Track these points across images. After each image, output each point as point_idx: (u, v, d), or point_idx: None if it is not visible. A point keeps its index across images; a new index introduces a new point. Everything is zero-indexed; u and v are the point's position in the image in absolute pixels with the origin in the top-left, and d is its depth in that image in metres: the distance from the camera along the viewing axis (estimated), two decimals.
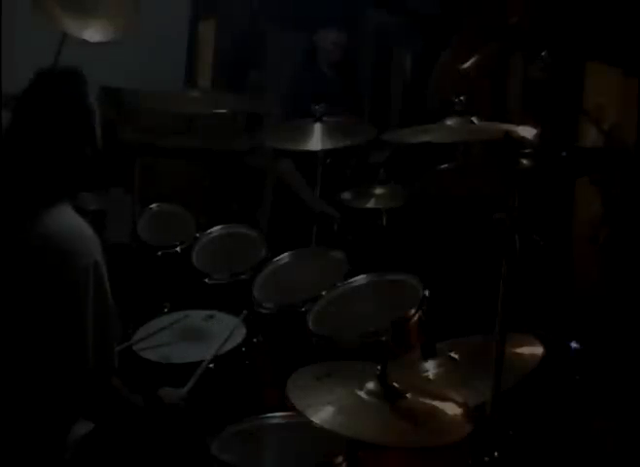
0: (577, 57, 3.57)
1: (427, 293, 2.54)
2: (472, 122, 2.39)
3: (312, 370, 2.12)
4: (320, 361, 2.26)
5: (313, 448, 2.16)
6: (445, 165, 2.51)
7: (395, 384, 1.98)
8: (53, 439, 2.20)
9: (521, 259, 1.85)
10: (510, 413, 2.12)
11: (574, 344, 2.87)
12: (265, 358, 2.77)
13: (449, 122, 2.45)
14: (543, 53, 3.09)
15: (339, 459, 2.11)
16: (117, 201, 3.99)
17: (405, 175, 3.69)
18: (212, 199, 4.61)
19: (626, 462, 2.76)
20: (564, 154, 2.46)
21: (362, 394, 1.97)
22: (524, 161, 2.19)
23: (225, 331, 2.75)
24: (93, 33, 3.54)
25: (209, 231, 3.38)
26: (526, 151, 2.16)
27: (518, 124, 2.30)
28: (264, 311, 2.84)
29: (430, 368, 2.29)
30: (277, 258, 3.11)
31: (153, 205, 3.59)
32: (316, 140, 3.30)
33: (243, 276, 3.07)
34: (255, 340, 2.78)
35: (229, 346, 2.69)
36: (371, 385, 1.98)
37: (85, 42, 3.53)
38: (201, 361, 2.59)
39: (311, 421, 1.90)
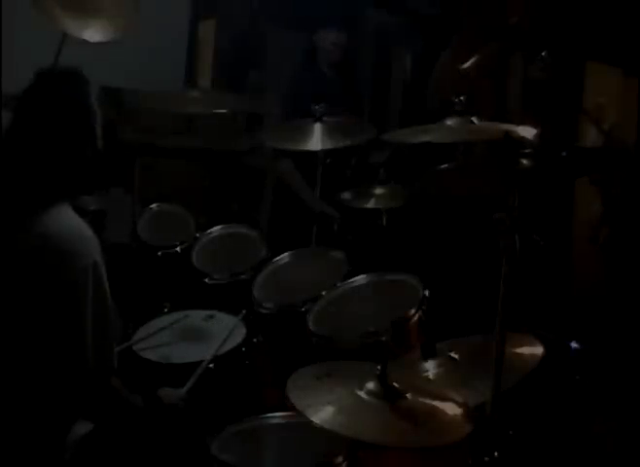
0: (577, 57, 3.57)
1: (427, 293, 2.54)
2: (472, 122, 2.39)
3: (312, 370, 2.12)
4: (320, 361, 2.26)
5: (313, 448, 2.15)
6: (445, 165, 2.51)
7: (395, 384, 1.98)
8: (53, 439, 2.20)
9: (521, 259, 1.85)
10: (510, 413, 2.12)
11: (574, 344, 2.87)
12: (265, 358, 2.77)
13: (449, 122, 2.45)
14: (543, 53, 3.09)
15: (339, 459, 2.11)
16: (117, 201, 3.99)
17: (405, 175, 3.69)
18: (212, 199, 4.62)
19: (626, 462, 2.76)
20: (564, 154, 2.46)
21: (362, 394, 1.97)
22: (524, 161, 2.19)
23: (225, 331, 2.75)
24: (93, 33, 3.54)
25: (209, 231, 3.38)
26: (526, 151, 2.16)
27: (518, 124, 2.30)
28: (264, 311, 2.83)
29: (430, 368, 2.29)
30: (277, 258, 3.11)
31: (153, 205, 3.59)
32: (316, 140, 3.30)
33: (243, 276, 3.07)
34: (255, 340, 2.78)
35: (229, 346, 2.69)
36: (371, 385, 1.98)
37: (85, 42, 3.52)
38: (201, 361, 2.59)
39: (311, 421, 1.90)
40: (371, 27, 4.97)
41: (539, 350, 2.25)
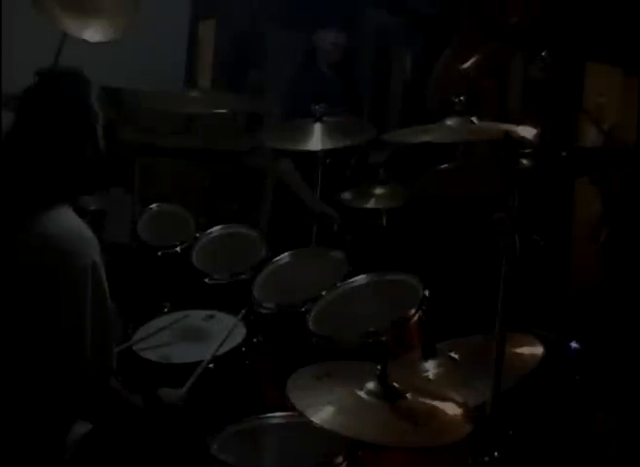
0: (577, 57, 3.57)
1: (427, 293, 2.54)
2: (472, 122, 2.39)
3: (312, 370, 2.12)
4: (320, 361, 2.26)
5: (313, 448, 2.15)
6: (445, 165, 2.51)
7: (395, 384, 1.98)
8: (53, 439, 2.20)
9: (521, 259, 1.85)
10: (510, 413, 2.12)
11: (574, 344, 2.87)
12: (265, 358, 2.77)
13: (449, 122, 2.45)
14: (543, 53, 3.09)
15: (339, 459, 2.11)
16: (117, 201, 3.99)
17: (405, 175, 3.69)
18: (212, 199, 4.62)
19: (627, 462, 2.76)
20: (564, 154, 2.46)
21: (362, 394, 1.97)
22: (524, 161, 2.19)
23: (225, 331, 2.75)
24: (93, 33, 3.54)
25: (209, 231, 3.38)
26: (526, 151, 2.16)
27: (518, 124, 2.30)
28: (264, 311, 2.83)
29: (430, 368, 2.28)
30: (277, 258, 3.11)
31: (153, 205, 3.59)
32: (316, 140, 3.31)
33: (243, 276, 3.07)
34: (255, 340, 2.78)
35: (229, 346, 2.69)
36: (371, 385, 1.98)
37: (85, 42, 3.52)
38: (201, 361, 2.59)
39: (311, 421, 1.90)
40: (371, 27, 4.97)
41: (539, 350, 2.25)
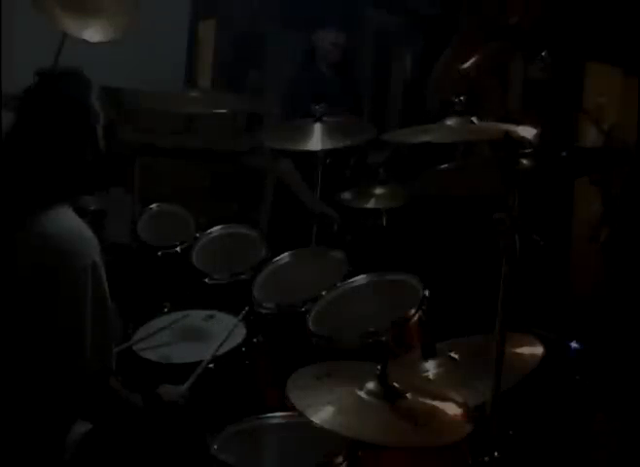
0: (577, 57, 3.57)
1: (427, 293, 2.54)
2: (472, 122, 2.39)
3: (312, 370, 2.12)
4: (320, 361, 2.26)
5: (313, 448, 2.15)
6: (445, 165, 2.51)
7: (395, 384, 1.98)
8: (53, 439, 2.20)
9: (521, 259, 1.85)
10: (510, 413, 2.12)
11: (574, 344, 2.87)
12: (265, 358, 2.77)
13: (449, 122, 2.45)
14: (543, 53, 3.09)
15: (339, 459, 2.11)
16: (117, 201, 3.99)
17: (405, 175, 3.69)
18: (212, 199, 4.61)
19: (627, 462, 2.76)
20: (564, 154, 2.46)
21: (362, 394, 1.97)
22: (524, 161, 2.19)
23: (225, 331, 2.75)
24: (93, 33, 3.54)
25: (209, 231, 3.38)
26: (526, 151, 2.16)
27: (518, 124, 2.30)
28: (264, 311, 2.83)
29: (430, 368, 2.28)
30: (277, 258, 3.11)
31: (153, 205, 3.58)
32: (316, 140, 3.30)
33: (243, 276, 3.07)
34: (255, 340, 2.78)
35: (229, 346, 2.69)
36: (371, 385, 1.98)
37: (85, 42, 3.52)
38: (201, 361, 2.59)
39: (311, 421, 1.90)
40: (371, 27, 4.97)
41: (539, 350, 2.25)
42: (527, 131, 2.18)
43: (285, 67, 4.73)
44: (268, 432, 2.34)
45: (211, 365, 2.59)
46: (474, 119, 2.38)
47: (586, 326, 3.13)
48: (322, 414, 1.91)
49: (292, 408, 2.01)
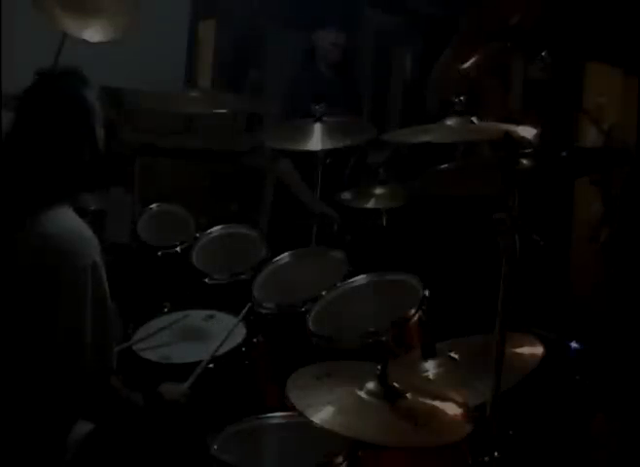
0: (577, 57, 3.57)
1: (427, 293, 2.54)
2: (472, 122, 2.39)
3: (312, 370, 2.12)
4: (320, 361, 2.26)
5: (313, 448, 2.15)
6: (445, 165, 2.51)
7: (395, 384, 1.98)
8: (54, 439, 2.20)
9: (521, 259, 1.85)
10: (510, 413, 2.12)
11: (574, 344, 2.87)
12: (265, 358, 2.77)
13: (449, 122, 2.45)
14: (543, 53, 3.09)
15: (339, 459, 2.11)
16: (117, 201, 3.99)
17: (405, 175, 3.69)
18: (212, 199, 4.61)
19: (627, 462, 2.76)
20: (564, 154, 2.46)
21: (362, 394, 1.97)
22: (524, 161, 2.19)
23: (225, 330, 2.75)
24: (93, 33, 3.54)
25: (209, 231, 3.37)
26: (526, 151, 2.16)
27: (518, 124, 2.30)
28: (264, 311, 2.83)
29: (430, 368, 2.28)
30: (277, 258, 3.11)
31: (153, 205, 3.58)
32: (316, 140, 3.30)
33: (243, 276, 3.07)
34: (255, 340, 2.78)
35: (229, 346, 2.69)
36: (371, 385, 1.98)
37: (85, 42, 3.52)
38: (201, 361, 2.59)
39: (311, 421, 1.90)
40: (370, 27, 4.97)
41: (539, 350, 2.25)
42: (527, 131, 2.18)
43: (285, 67, 4.73)
44: (268, 432, 2.34)
45: (211, 365, 2.60)
46: (474, 119, 2.38)
47: (586, 326, 3.13)
48: (322, 414, 1.91)
49: (292, 408, 2.01)
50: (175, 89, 4.58)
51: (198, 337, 2.84)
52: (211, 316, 2.94)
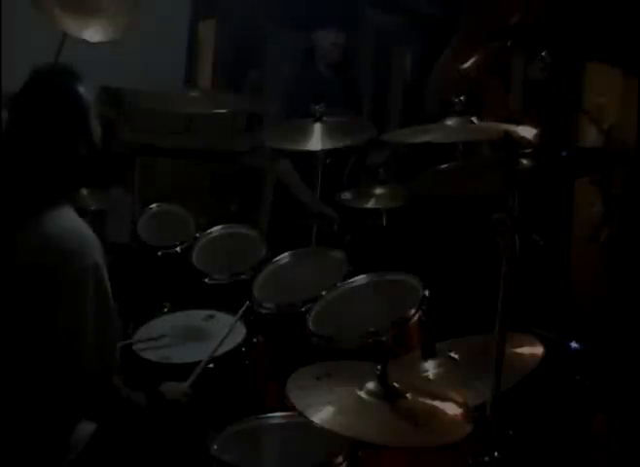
0: (577, 57, 3.57)
1: (427, 293, 2.54)
2: (472, 122, 2.39)
3: (312, 370, 2.12)
4: (320, 361, 2.26)
5: (313, 448, 2.15)
6: (445, 165, 2.51)
7: (395, 384, 1.98)
8: (56, 439, 2.20)
9: (521, 259, 1.85)
10: (510, 413, 2.12)
11: (574, 344, 2.87)
12: (265, 358, 2.77)
13: (449, 122, 2.45)
14: (543, 53, 3.09)
15: (339, 459, 2.11)
16: (117, 201, 3.99)
17: (405, 175, 3.69)
18: (212, 199, 4.61)
19: (627, 462, 2.76)
20: (564, 154, 2.46)
21: (362, 394, 1.97)
22: (524, 161, 2.19)
23: (225, 330, 2.75)
24: (93, 33, 3.54)
25: (209, 231, 3.37)
26: (526, 151, 2.16)
27: (518, 124, 2.29)
28: (264, 311, 2.83)
29: (430, 368, 2.28)
30: (277, 258, 3.11)
31: (153, 205, 3.58)
32: (316, 140, 3.30)
33: (243, 276, 3.07)
34: (255, 340, 2.78)
35: (229, 346, 2.69)
36: (371, 385, 1.98)
37: (85, 42, 3.52)
38: (201, 361, 2.59)
39: (311, 421, 1.90)
40: (370, 27, 4.97)
41: (539, 350, 2.25)
42: (527, 131, 2.18)
43: (285, 67, 4.73)
44: (268, 432, 2.34)
45: (211, 365, 2.60)
46: (474, 119, 2.38)
47: (586, 326, 3.13)
48: (322, 414, 1.91)
49: (292, 408, 2.01)
50: (175, 89, 4.58)
51: (198, 337, 2.84)
52: (211, 316, 2.94)
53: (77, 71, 2.26)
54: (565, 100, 3.57)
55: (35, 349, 2.13)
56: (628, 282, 3.21)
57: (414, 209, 3.69)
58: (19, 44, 4.21)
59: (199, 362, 2.58)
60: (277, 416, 2.36)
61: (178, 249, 3.28)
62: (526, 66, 3.75)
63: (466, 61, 3.53)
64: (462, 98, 2.45)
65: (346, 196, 3.74)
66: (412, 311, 2.47)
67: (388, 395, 1.96)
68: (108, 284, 2.17)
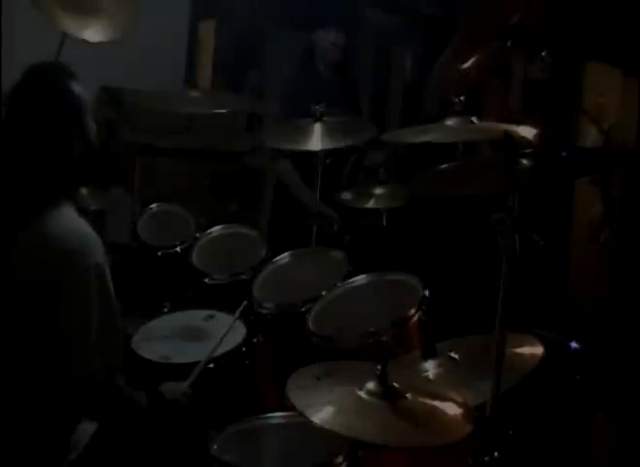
0: (577, 57, 3.57)
1: (427, 293, 2.54)
2: (472, 122, 2.39)
3: (312, 370, 2.12)
4: (320, 361, 2.26)
5: (313, 448, 2.15)
6: (445, 165, 2.51)
7: (395, 384, 1.98)
8: (57, 439, 2.20)
9: (521, 259, 1.85)
10: (510, 413, 2.12)
11: (574, 344, 2.87)
12: (265, 358, 2.77)
13: (449, 122, 2.44)
14: (543, 53, 3.09)
15: (339, 459, 2.11)
16: (117, 201, 3.99)
17: (404, 175, 3.69)
18: (212, 199, 4.62)
19: (627, 462, 2.76)
20: (564, 154, 2.46)
21: (362, 394, 1.97)
22: (524, 161, 2.19)
23: (225, 330, 2.75)
24: (93, 33, 3.53)
25: (209, 231, 3.38)
26: (526, 151, 2.16)
27: (518, 124, 2.29)
28: (264, 311, 2.83)
29: (430, 368, 2.28)
30: (277, 258, 3.11)
31: (153, 205, 3.59)
32: (316, 140, 3.29)
33: (243, 276, 3.07)
34: (255, 340, 2.78)
35: (229, 346, 2.69)
36: (371, 385, 1.98)
37: (85, 42, 3.52)
38: (201, 361, 2.59)
39: (311, 421, 1.90)
40: (371, 27, 4.97)
41: (539, 350, 2.25)
42: (527, 131, 2.18)
43: (285, 67, 4.73)
44: (268, 432, 2.34)
45: (211, 365, 2.60)
46: (474, 119, 2.38)
47: (586, 326, 3.13)
48: (322, 414, 1.91)
49: (292, 408, 2.01)
50: (175, 89, 4.58)
51: (198, 337, 2.84)
52: (211, 316, 2.94)
53: (71, 69, 2.26)
54: (565, 100, 3.57)
55: (37, 349, 2.13)
56: (628, 282, 3.21)
57: (414, 209, 3.69)
58: (19, 44, 4.21)
59: (199, 362, 2.58)
60: (277, 416, 2.36)
61: (178, 249, 3.28)
62: (526, 66, 3.75)
63: (466, 61, 3.52)
64: (462, 98, 2.44)
65: (346, 196, 3.74)
66: (412, 311, 2.47)
67: (388, 395, 1.96)
68: (110, 283, 2.17)
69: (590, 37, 3.45)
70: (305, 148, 3.33)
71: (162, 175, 4.48)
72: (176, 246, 3.29)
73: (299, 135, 3.32)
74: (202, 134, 4.60)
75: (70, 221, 2.19)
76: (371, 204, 3.67)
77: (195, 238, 3.32)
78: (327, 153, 3.45)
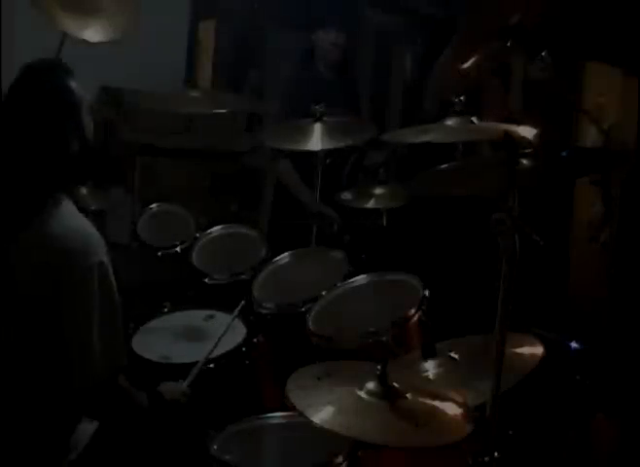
0: (577, 57, 3.57)
1: (427, 293, 2.54)
2: (472, 122, 2.39)
3: (312, 370, 2.12)
4: (320, 361, 2.26)
5: (313, 448, 2.15)
6: (445, 165, 2.51)
7: (395, 384, 1.98)
8: (57, 439, 2.20)
9: (521, 259, 1.85)
10: (510, 413, 2.12)
11: (574, 344, 2.87)
12: (265, 358, 2.77)
13: (449, 122, 2.44)
14: (543, 53, 3.09)
15: (339, 459, 2.11)
16: (117, 201, 3.99)
17: (404, 175, 3.69)
18: (212, 199, 4.62)
19: (627, 462, 2.76)
20: (564, 154, 2.46)
21: (362, 394, 1.97)
22: (524, 161, 2.19)
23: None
24: (93, 33, 3.53)
25: (209, 231, 3.37)
26: (526, 151, 2.16)
27: (518, 124, 2.29)
28: (264, 311, 2.83)
29: (430, 368, 2.28)
30: (277, 258, 3.11)
31: (153, 205, 3.58)
32: (316, 140, 3.29)
33: (243, 276, 3.07)
34: (255, 340, 2.78)
35: (229, 346, 2.69)
36: (371, 385, 1.97)
37: (85, 42, 3.52)
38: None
39: (311, 421, 1.90)
40: (371, 27, 4.97)
41: (539, 350, 2.25)
42: (527, 131, 2.18)
43: (285, 67, 4.73)
44: (268, 432, 2.34)
45: (211, 365, 2.60)
46: (474, 119, 2.38)
47: (586, 326, 3.13)
48: (322, 414, 1.91)
49: (292, 408, 2.01)
50: (175, 89, 4.58)
51: (198, 337, 2.84)
52: (211, 316, 2.94)
53: (68, 66, 2.26)
54: (565, 100, 3.57)
55: (39, 349, 2.13)
56: (628, 282, 3.21)
57: (414, 209, 3.69)
58: (19, 44, 4.21)
59: (198, 362, 2.58)
60: (277, 416, 2.36)
61: (178, 249, 3.28)
62: (526, 66, 3.75)
63: (466, 61, 3.52)
64: (462, 98, 2.44)
65: (346, 196, 3.74)
66: (412, 311, 2.47)
67: (388, 395, 1.96)
68: (113, 282, 2.17)
69: (590, 37, 3.45)
70: (305, 148, 3.33)
71: (162, 175, 4.48)
72: (176, 246, 3.29)
73: (299, 135, 3.32)
74: (202, 134, 4.60)
75: (72, 220, 2.19)
76: (371, 204, 3.67)
77: (195, 238, 3.32)
78: (327, 153, 3.44)
